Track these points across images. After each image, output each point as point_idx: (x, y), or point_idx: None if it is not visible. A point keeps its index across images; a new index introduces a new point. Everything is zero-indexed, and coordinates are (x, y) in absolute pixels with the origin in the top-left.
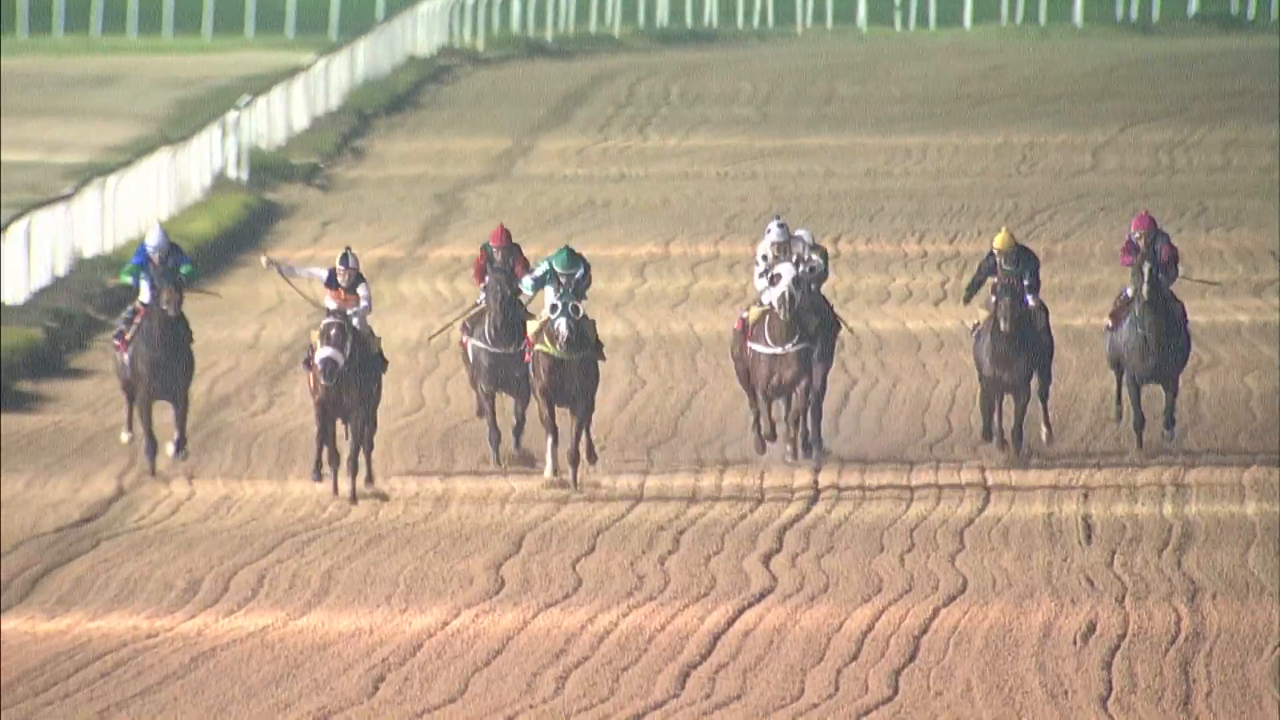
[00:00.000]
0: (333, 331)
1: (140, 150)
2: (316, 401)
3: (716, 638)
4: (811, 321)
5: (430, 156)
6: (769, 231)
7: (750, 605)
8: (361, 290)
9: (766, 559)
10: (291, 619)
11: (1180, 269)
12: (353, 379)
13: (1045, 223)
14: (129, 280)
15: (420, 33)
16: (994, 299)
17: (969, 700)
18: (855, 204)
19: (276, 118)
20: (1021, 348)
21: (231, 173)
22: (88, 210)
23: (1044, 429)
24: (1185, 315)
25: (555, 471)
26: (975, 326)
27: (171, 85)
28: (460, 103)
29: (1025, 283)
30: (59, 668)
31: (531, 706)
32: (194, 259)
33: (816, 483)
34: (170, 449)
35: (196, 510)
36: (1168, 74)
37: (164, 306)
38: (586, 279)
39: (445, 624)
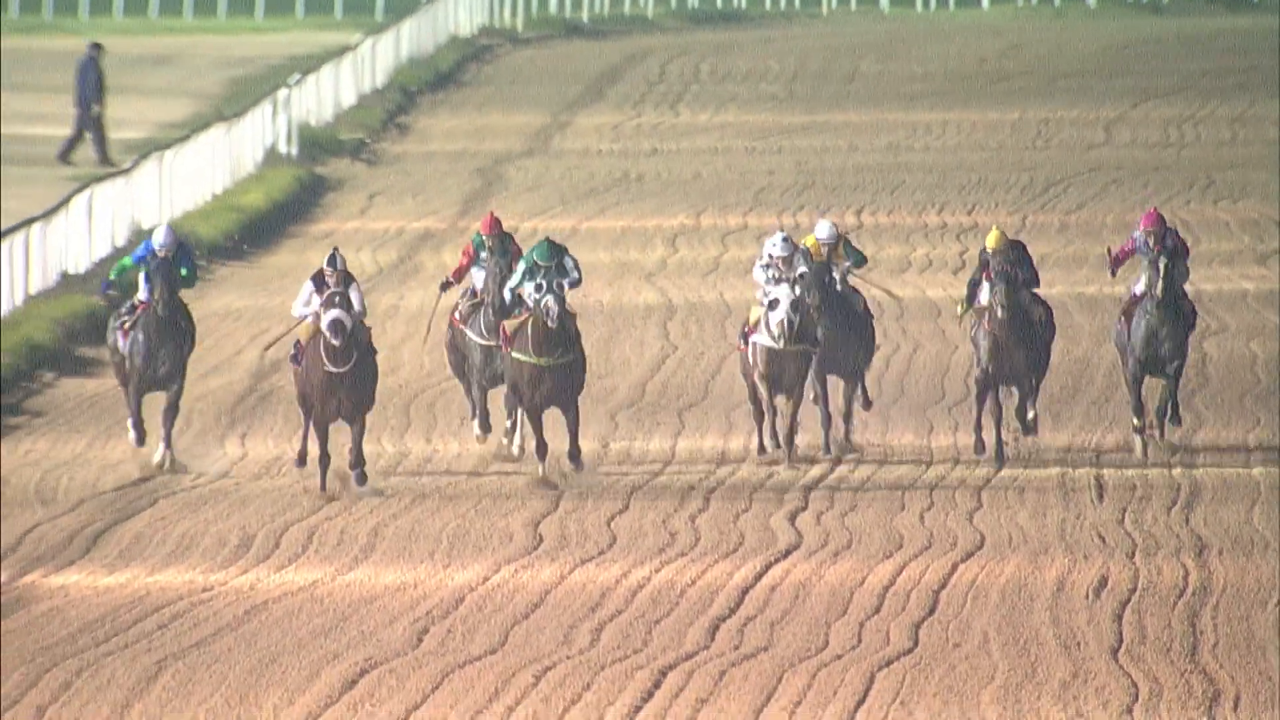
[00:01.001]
0: (336, 298)
1: (196, 126)
2: (304, 401)
3: (745, 592)
4: (814, 325)
5: (471, 132)
6: (773, 243)
7: (777, 561)
8: (353, 292)
9: (792, 517)
10: (339, 574)
11: (1188, 267)
12: (348, 377)
13: (1060, 195)
14: (113, 277)
15: (462, 14)
16: (990, 288)
17: (986, 651)
18: (878, 177)
19: (325, 95)
20: (1020, 336)
21: (282, 148)
22: (146, 183)
23: (1020, 423)
24: (1195, 315)
25: (544, 475)
26: (971, 320)
27: (225, 65)
28: (500, 81)
29: (1022, 277)
30: (119, 619)
31: (568, 658)
32: (197, 263)
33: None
34: (158, 453)
35: (249, 470)
36: (1177, 52)
37: (155, 304)
38: (578, 273)
39: (486, 579)
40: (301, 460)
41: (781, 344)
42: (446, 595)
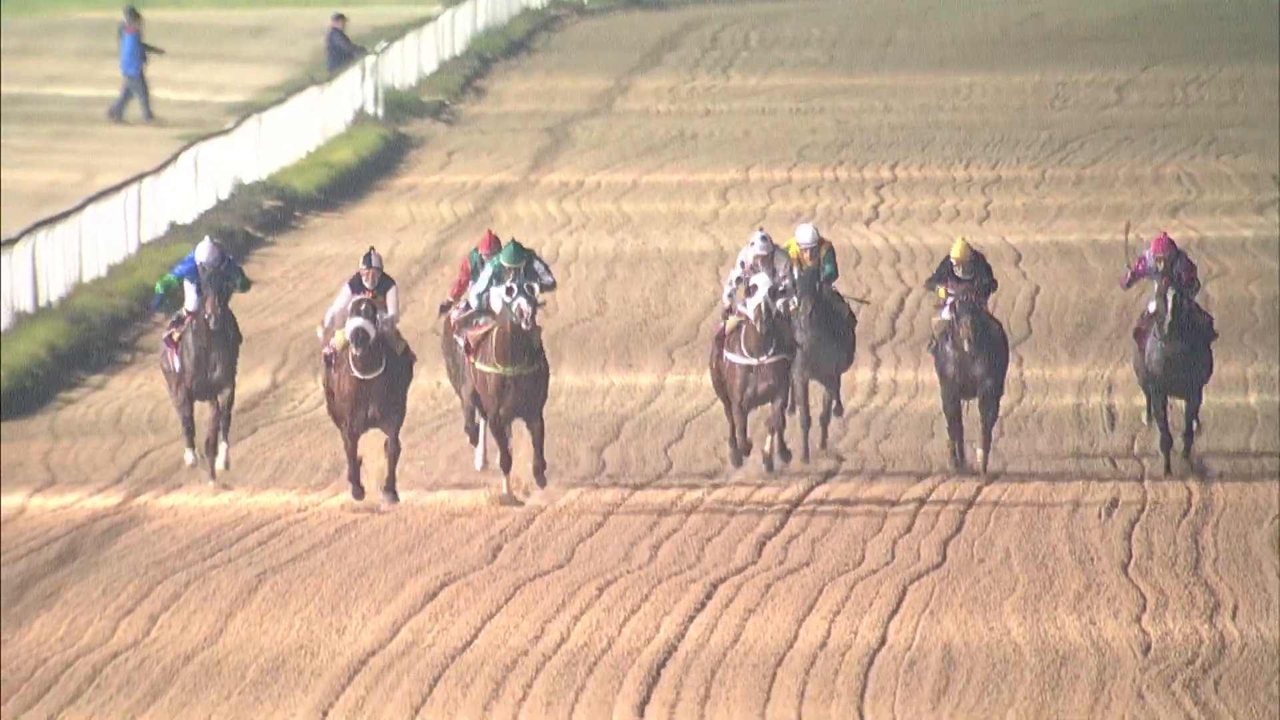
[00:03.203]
0: (363, 306)
1: (291, 90)
2: (334, 410)
3: (789, 512)
4: (789, 333)
5: (541, 95)
6: (752, 244)
7: (818, 484)
8: (390, 296)
9: (832, 443)
10: (421, 496)
11: (1200, 280)
12: (377, 384)
13: (1076, 151)
14: (159, 290)
15: None
16: (954, 316)
17: (1008, 566)
18: (910, 135)
19: (409, 61)
20: (982, 355)
21: (370, 109)
22: (246, 142)
23: (979, 451)
24: (1212, 325)
25: (508, 491)
26: (931, 340)
27: (317, 34)
28: (567, 48)
29: (984, 286)
30: (223, 536)
31: (628, 572)
32: (244, 272)
33: (875, 378)
34: (219, 460)
35: None
36: (1183, 20)
37: (205, 316)
38: (550, 276)
39: (554, 500)
40: (358, 490)
41: (759, 328)
42: (518, 516)
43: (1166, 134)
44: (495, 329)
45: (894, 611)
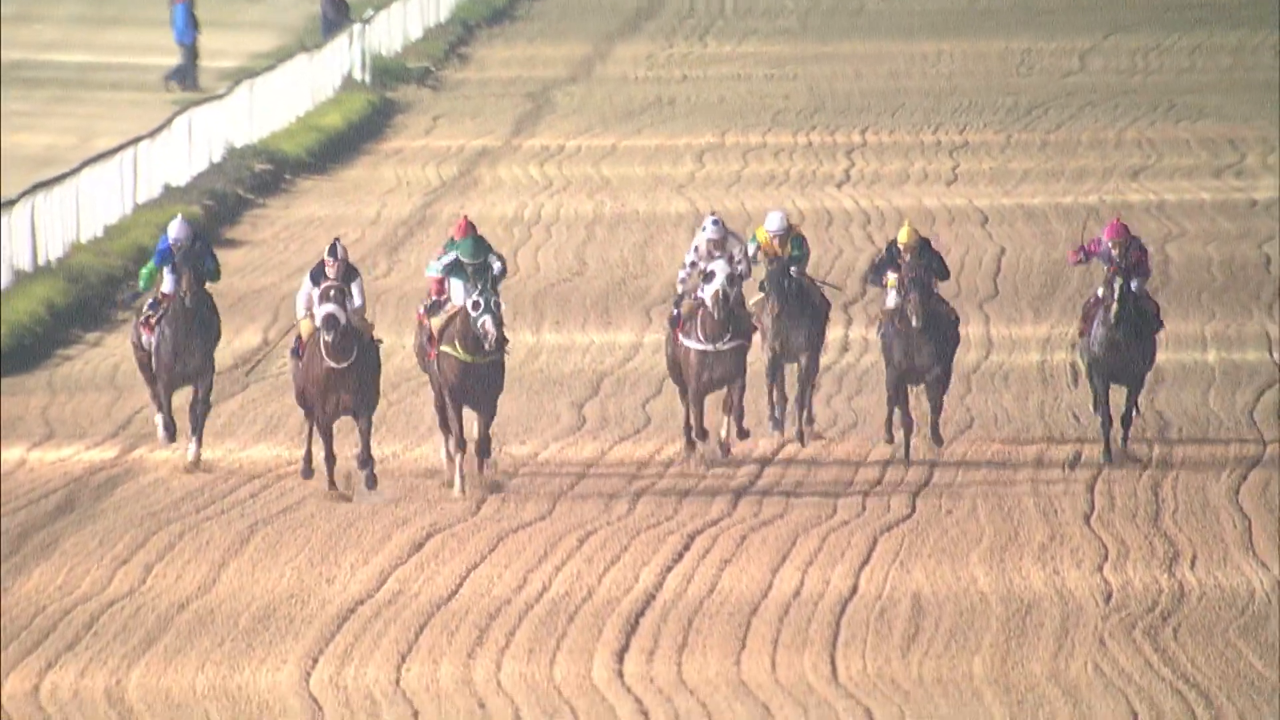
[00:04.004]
0: (332, 292)
1: (282, 56)
2: (303, 399)
3: (763, 466)
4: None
5: (523, 61)
6: (704, 229)
7: (791, 440)
8: (355, 286)
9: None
10: (408, 449)
11: (1150, 268)
12: (349, 373)
13: (1040, 116)
14: (143, 286)
15: None
16: (901, 293)
17: (974, 517)
18: (880, 101)
19: (395, 29)
20: (930, 339)
21: (357, 75)
22: (238, 106)
23: (931, 431)
24: (1158, 314)
25: (462, 490)
26: (880, 319)
27: (309, 1)
28: (549, 16)
29: (933, 271)
30: (216, 489)
31: (608, 524)
32: (217, 256)
33: (847, 335)
34: (191, 452)
35: None
36: None
37: (181, 294)
38: (503, 271)
39: (536, 454)
40: (307, 469)
41: (716, 314)
42: (503, 468)
43: (1127, 100)
44: (460, 316)
45: (865, 562)
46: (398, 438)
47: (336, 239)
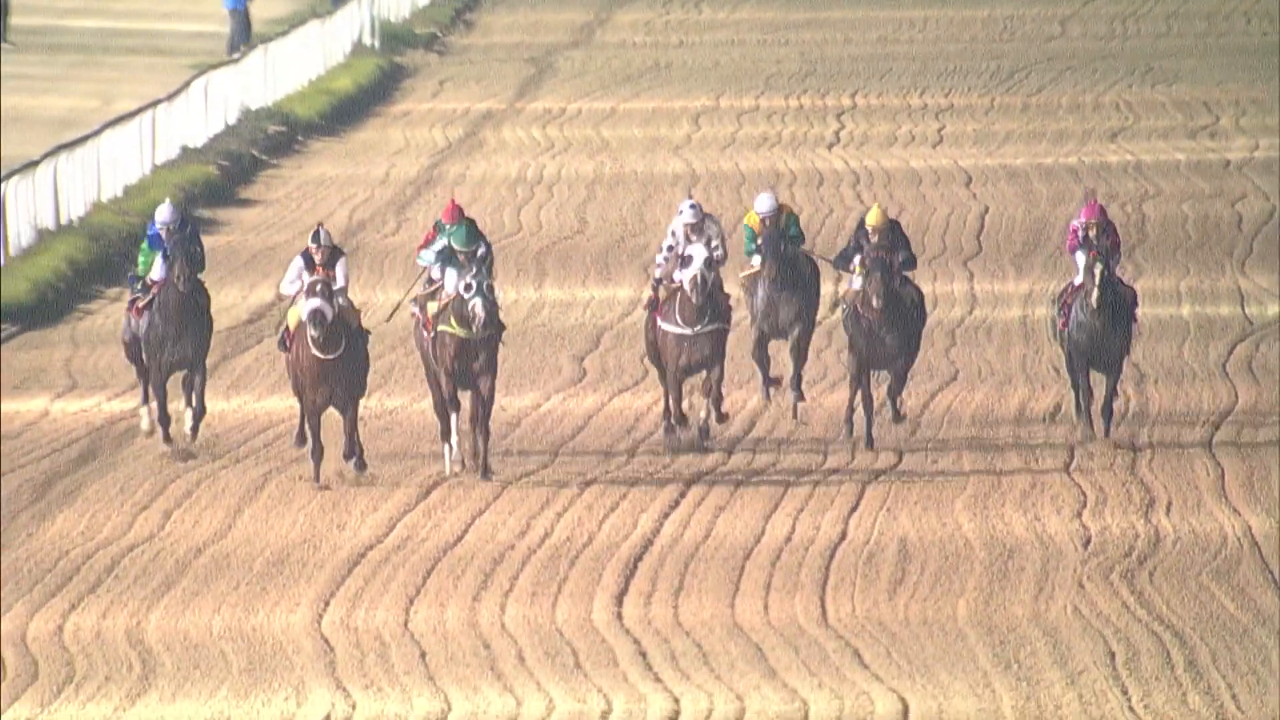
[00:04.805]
0: (319, 286)
1: (295, 22)
2: (297, 388)
3: (755, 418)
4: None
5: (526, 27)
6: (681, 212)
7: (782, 392)
8: (339, 267)
9: None
10: (415, 401)
11: (1120, 252)
12: (338, 364)
13: (1022, 80)
14: (140, 273)
15: None
16: (864, 275)
17: (959, 466)
18: (868, 65)
19: None
20: (894, 324)
21: (367, 41)
22: (253, 70)
23: (891, 409)
24: (1136, 301)
25: (460, 463)
26: (844, 302)
27: None
28: None
29: (901, 258)
30: (231, 438)
31: (607, 473)
32: (203, 240)
33: (836, 291)
34: (188, 420)
35: None
36: None
37: (175, 278)
38: (489, 257)
39: (538, 405)
40: (301, 439)
41: (695, 299)
42: (506, 419)
43: (1106, 64)
44: (455, 298)
45: (854, 509)
46: (405, 390)
47: (320, 224)
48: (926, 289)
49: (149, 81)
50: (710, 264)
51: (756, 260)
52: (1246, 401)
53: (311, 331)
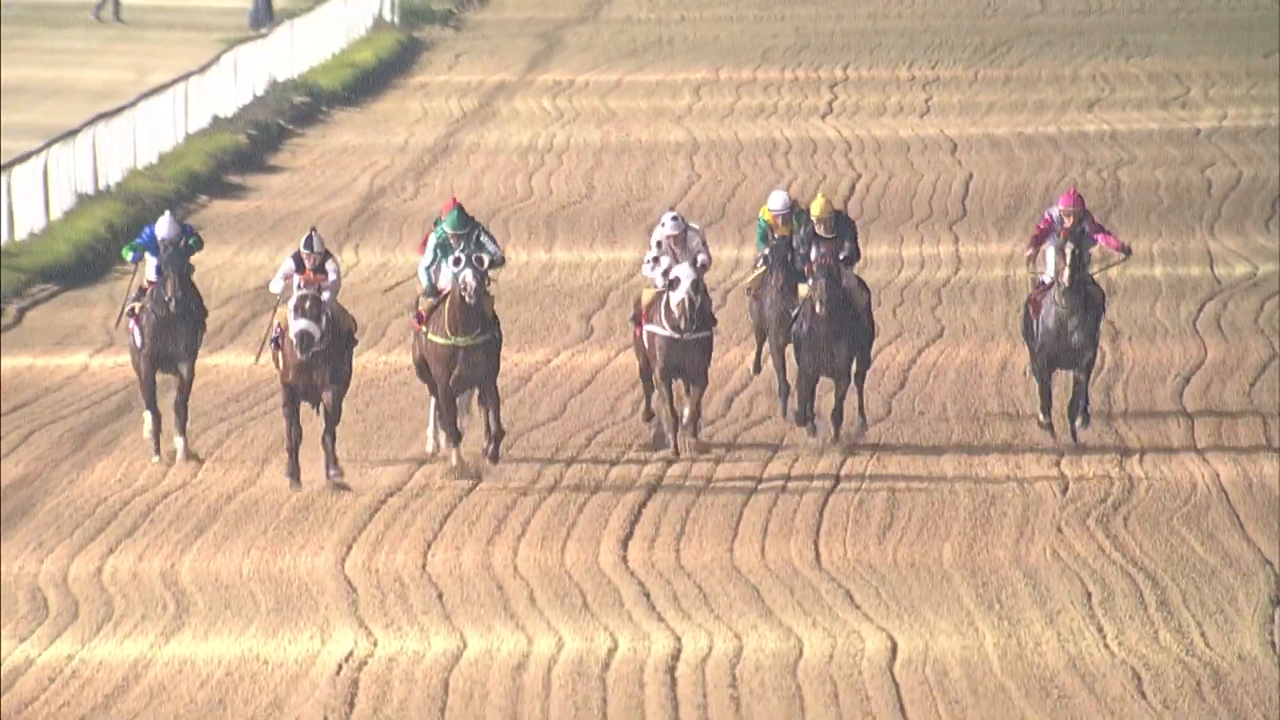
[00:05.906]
0: (307, 304)
1: None
2: (285, 385)
3: (747, 379)
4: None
5: (537, 3)
6: (662, 224)
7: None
8: (330, 266)
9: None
10: None
11: (1099, 242)
12: (324, 361)
13: (1005, 54)
14: (129, 256)
15: None
16: (812, 280)
17: (944, 418)
18: (860, 40)
19: None
20: (841, 331)
21: (387, 16)
22: (280, 45)
23: (859, 417)
24: (1104, 303)
25: (459, 463)
26: (797, 309)
27: None
28: None
29: (843, 255)
30: (259, 392)
31: (613, 424)
32: (199, 234)
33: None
34: (180, 448)
35: (360, 274)
36: None
37: (166, 299)
38: (496, 248)
39: (548, 361)
40: (295, 479)
41: (682, 325)
42: (517, 374)
43: (1083, 39)
44: (447, 300)
45: (845, 459)
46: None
47: (313, 229)
48: (914, 251)
49: (182, 55)
50: (697, 286)
51: (762, 262)
52: (1215, 357)
53: (299, 354)
